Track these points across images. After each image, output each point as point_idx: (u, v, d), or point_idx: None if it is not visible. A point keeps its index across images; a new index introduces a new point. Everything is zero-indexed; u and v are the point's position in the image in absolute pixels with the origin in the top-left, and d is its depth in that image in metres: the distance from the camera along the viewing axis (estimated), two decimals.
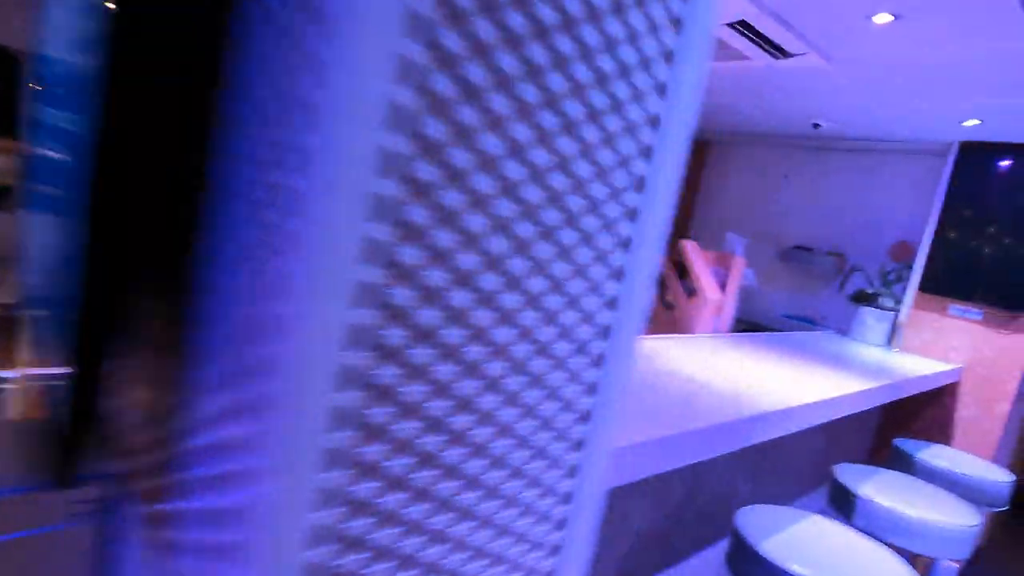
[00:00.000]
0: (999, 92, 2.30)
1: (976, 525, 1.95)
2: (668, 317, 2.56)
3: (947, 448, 2.73)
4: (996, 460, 3.02)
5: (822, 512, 2.85)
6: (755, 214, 4.36)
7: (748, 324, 3.99)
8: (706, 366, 1.89)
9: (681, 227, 4.65)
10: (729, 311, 2.65)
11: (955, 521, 1.93)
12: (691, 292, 2.52)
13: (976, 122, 2.78)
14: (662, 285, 2.61)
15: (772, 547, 1.51)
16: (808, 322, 3.88)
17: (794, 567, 1.43)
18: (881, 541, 2.04)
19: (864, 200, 3.86)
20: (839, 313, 3.82)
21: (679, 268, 2.57)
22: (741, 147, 4.46)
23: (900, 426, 3.30)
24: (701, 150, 4.62)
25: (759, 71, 2.56)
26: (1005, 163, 3.02)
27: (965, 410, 3.12)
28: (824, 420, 1.74)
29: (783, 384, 1.83)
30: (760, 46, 2.18)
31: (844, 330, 3.52)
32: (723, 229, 4.41)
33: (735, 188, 4.51)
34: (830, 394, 1.78)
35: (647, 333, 2.64)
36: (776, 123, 3.62)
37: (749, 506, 1.71)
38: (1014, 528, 3.62)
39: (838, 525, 1.70)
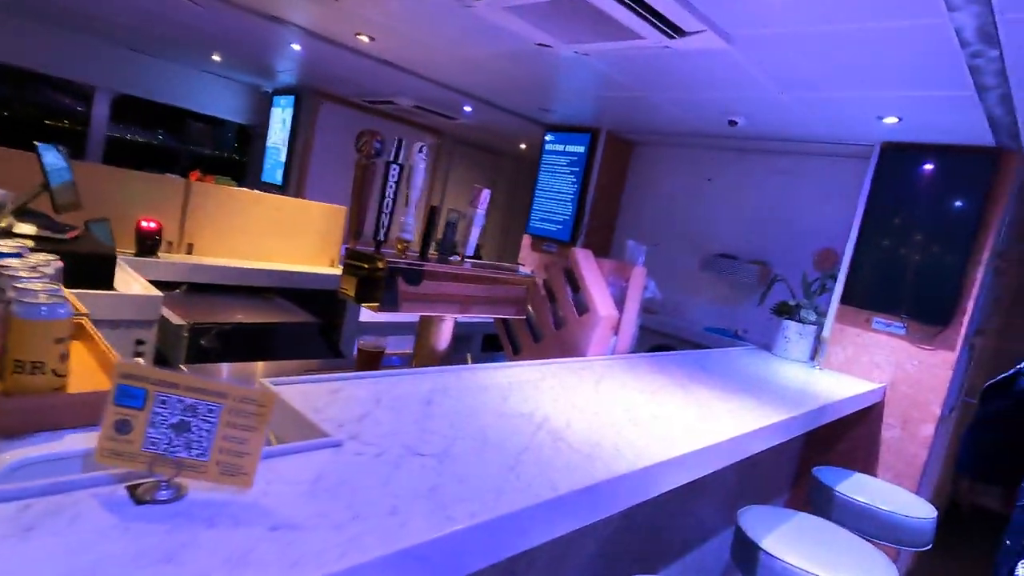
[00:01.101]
0: (917, 83, 2.05)
1: None
2: (558, 337, 2.21)
3: (869, 478, 2.46)
4: (920, 487, 2.78)
5: (726, 568, 2.55)
6: (679, 220, 4.10)
7: (666, 339, 3.70)
8: (576, 403, 1.54)
9: (603, 232, 4.35)
10: (629, 328, 2.32)
11: None
12: (583, 308, 2.17)
13: (895, 120, 2.55)
14: (551, 299, 2.25)
15: None
16: (730, 336, 3.61)
17: None
18: None
19: (788, 206, 3.64)
20: (764, 326, 3.57)
21: (571, 279, 2.22)
22: (664, 148, 4.20)
23: (822, 451, 3.04)
24: (625, 151, 4.34)
25: (659, 56, 2.25)
26: (928, 166, 2.81)
27: (889, 432, 2.88)
28: (701, 474, 1.40)
29: (666, 426, 1.49)
30: (649, 21, 1.86)
31: (767, 344, 3.26)
32: (648, 236, 4.12)
33: (659, 192, 4.23)
34: (718, 439, 1.45)
35: (527, 357, 2.29)
36: (694, 120, 3.35)
37: None
38: (937, 566, 3.41)
39: None
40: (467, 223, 1.95)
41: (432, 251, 1.85)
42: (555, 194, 4.37)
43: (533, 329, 2.32)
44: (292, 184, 5.27)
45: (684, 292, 3.99)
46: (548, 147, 4.43)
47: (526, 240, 4.60)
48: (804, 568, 1.65)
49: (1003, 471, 1.45)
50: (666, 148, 4.19)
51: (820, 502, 2.33)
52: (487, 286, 1.86)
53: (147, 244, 2.49)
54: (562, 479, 1.04)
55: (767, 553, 1.72)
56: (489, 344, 3.71)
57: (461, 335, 3.13)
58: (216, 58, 4.61)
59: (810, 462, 3.07)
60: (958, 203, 2.72)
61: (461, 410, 1.33)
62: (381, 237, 1.72)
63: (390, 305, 1.63)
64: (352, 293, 1.73)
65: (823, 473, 2.42)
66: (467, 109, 4.47)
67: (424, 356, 1.78)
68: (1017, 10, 1.40)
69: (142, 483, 0.78)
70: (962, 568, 3.56)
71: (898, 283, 2.86)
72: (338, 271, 3.25)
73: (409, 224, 1.77)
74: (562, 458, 1.15)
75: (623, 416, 1.50)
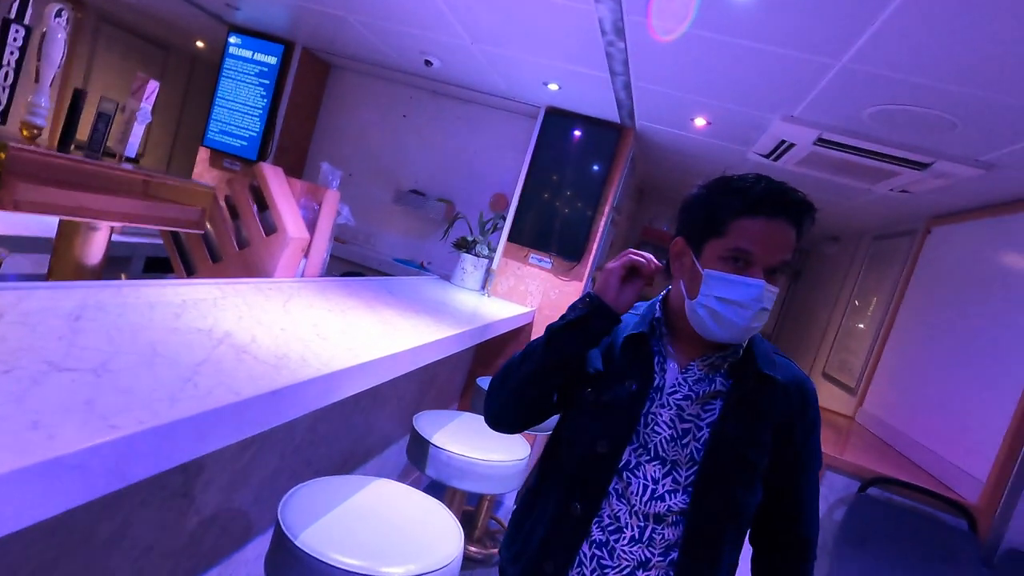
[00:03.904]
0: (572, 58, 2.48)
1: (525, 458, 2.12)
2: (241, 258, 2.08)
3: None
4: None
5: (405, 468, 2.87)
6: (375, 152, 4.15)
7: (357, 268, 3.79)
8: (262, 320, 1.51)
9: (296, 155, 4.13)
10: (320, 252, 2.32)
11: (510, 458, 2.05)
12: (271, 228, 2.08)
13: (557, 87, 3.03)
14: (235, 217, 2.10)
15: (313, 537, 1.24)
16: (417, 267, 3.89)
17: (334, 557, 1.20)
18: (451, 487, 2.05)
19: (471, 151, 4.02)
20: (446, 258, 3.94)
21: (258, 197, 2.09)
22: (363, 77, 4.15)
23: (485, 363, 3.58)
24: (322, 72, 4.14)
25: None
26: (577, 132, 3.44)
27: None
28: (382, 380, 1.55)
29: (352, 340, 1.58)
30: None
31: (448, 275, 3.62)
32: (345, 164, 4.06)
33: (356, 121, 4.19)
34: (399, 348, 1.61)
35: (205, 276, 2.11)
36: (392, 53, 3.39)
37: (298, 486, 1.43)
38: None
39: (394, 488, 1.56)
40: (127, 118, 1.66)
41: (75, 148, 1.53)
42: (241, 106, 3.94)
43: (212, 248, 2.13)
44: None
45: (377, 224, 4.11)
46: (233, 51, 3.93)
47: (203, 154, 4.06)
48: (460, 452, 1.98)
49: None
50: (365, 77, 4.14)
51: (479, 403, 2.78)
52: (152, 195, 1.63)
53: None
54: (246, 386, 1.04)
55: (434, 446, 2.00)
56: (155, 267, 3.23)
57: (116, 256, 2.66)
58: None
59: (475, 374, 3.59)
60: (594, 165, 3.42)
61: (123, 327, 1.18)
62: None
63: (6, 205, 1.31)
64: None
65: (483, 381, 2.87)
66: None
67: (64, 274, 1.49)
68: (638, 13, 1.82)
69: None
70: None
71: (549, 226, 3.48)
72: None
73: (42, 107, 1.42)
74: (246, 369, 1.14)
75: (311, 332, 1.53)
